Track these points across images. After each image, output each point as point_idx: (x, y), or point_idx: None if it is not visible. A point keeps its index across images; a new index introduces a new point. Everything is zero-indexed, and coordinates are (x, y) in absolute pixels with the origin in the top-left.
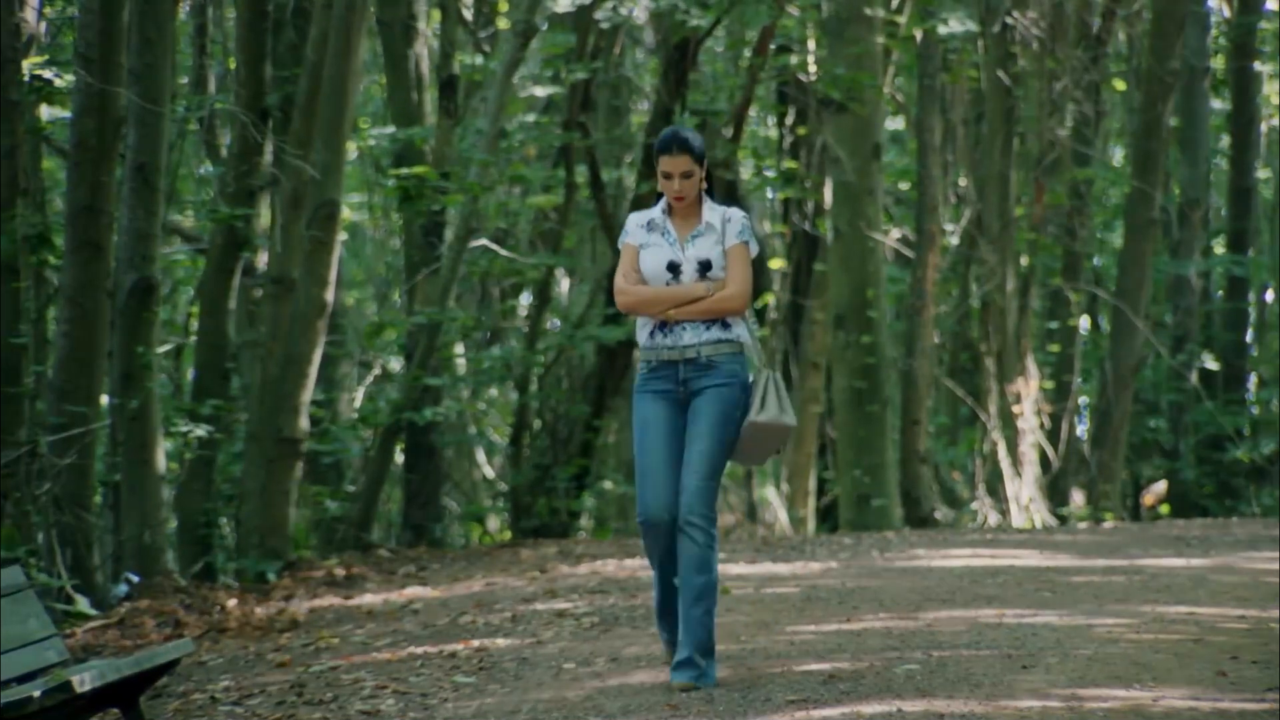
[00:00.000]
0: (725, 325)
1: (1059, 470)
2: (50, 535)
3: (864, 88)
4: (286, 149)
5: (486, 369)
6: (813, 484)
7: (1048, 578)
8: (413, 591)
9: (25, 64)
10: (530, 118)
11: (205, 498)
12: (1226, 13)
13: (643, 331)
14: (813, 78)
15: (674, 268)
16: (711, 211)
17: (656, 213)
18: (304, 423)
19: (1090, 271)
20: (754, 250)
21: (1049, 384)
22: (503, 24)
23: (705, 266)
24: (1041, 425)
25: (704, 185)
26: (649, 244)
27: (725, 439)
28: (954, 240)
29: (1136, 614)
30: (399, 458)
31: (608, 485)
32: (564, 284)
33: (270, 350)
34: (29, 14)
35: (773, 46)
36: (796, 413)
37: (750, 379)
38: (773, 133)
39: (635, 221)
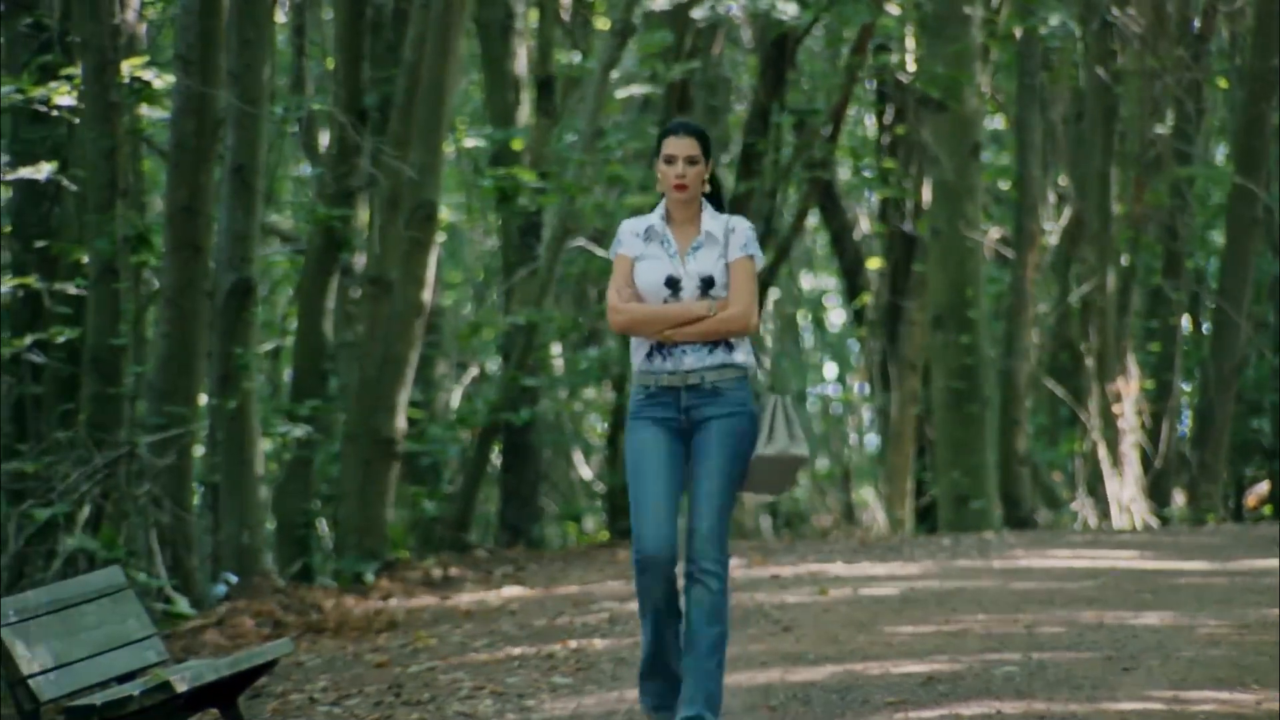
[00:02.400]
0: (729, 348)
1: (1160, 471)
2: (149, 536)
3: (963, 86)
4: (384, 150)
5: (583, 369)
6: (911, 485)
7: (1148, 579)
8: (510, 592)
9: (125, 65)
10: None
11: (303, 498)
12: None
13: (638, 353)
14: (911, 76)
15: (673, 283)
16: (713, 220)
17: (655, 219)
18: (401, 423)
19: (1192, 271)
20: (760, 263)
21: (1149, 384)
22: (600, 23)
23: (708, 283)
24: (1142, 425)
25: (706, 188)
26: (646, 255)
27: (735, 475)
28: (1054, 239)
29: (1239, 616)
30: (496, 458)
31: None
32: None
33: (368, 351)
34: (129, 15)
35: (871, 45)
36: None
37: (758, 408)
38: (871, 132)
39: (629, 229)
